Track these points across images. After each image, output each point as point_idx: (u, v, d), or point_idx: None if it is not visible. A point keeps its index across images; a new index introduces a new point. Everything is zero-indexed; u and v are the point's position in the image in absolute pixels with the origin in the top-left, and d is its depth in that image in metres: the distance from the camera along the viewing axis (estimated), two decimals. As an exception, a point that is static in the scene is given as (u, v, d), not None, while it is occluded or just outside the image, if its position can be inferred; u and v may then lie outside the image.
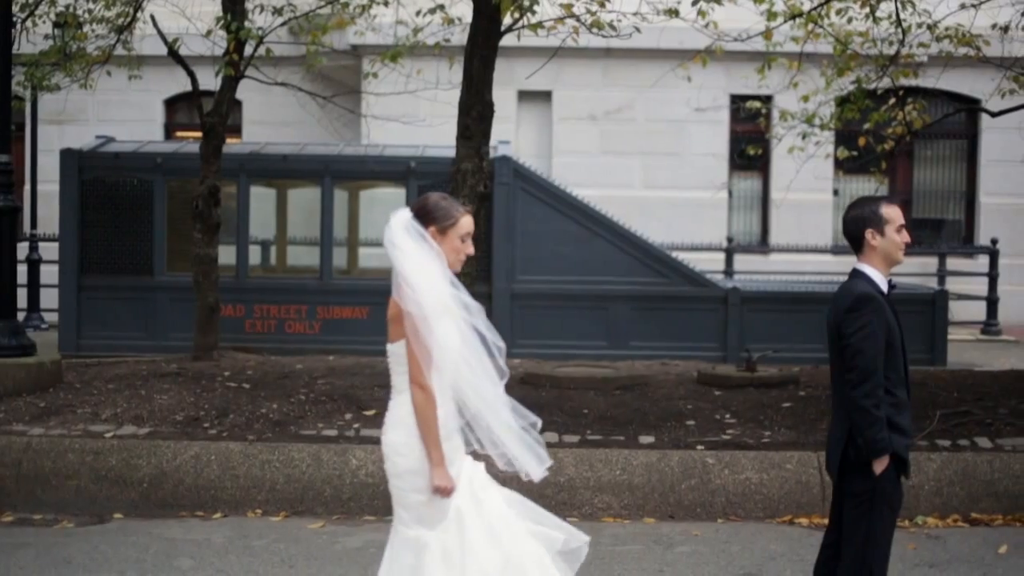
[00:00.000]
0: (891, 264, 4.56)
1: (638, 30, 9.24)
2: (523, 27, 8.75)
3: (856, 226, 4.57)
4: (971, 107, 14.62)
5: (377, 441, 7.74)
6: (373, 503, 7.43)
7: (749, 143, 13.44)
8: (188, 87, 11.10)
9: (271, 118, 18.29)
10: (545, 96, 17.87)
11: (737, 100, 16.71)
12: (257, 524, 7.17)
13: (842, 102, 11.17)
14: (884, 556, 4.48)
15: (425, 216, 4.30)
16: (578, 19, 8.66)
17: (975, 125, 18.14)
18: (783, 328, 12.24)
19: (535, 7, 8.23)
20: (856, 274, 4.55)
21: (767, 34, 9.82)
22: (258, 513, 7.39)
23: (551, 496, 7.23)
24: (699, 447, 7.79)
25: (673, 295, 12.51)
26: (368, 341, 12.12)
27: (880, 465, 4.38)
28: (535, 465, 4.30)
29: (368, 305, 12.38)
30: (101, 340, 12.40)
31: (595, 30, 8.56)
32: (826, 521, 4.94)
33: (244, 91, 15.57)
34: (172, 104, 19.26)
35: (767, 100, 12.99)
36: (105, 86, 13.39)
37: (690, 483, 7.52)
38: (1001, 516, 7.40)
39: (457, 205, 4.37)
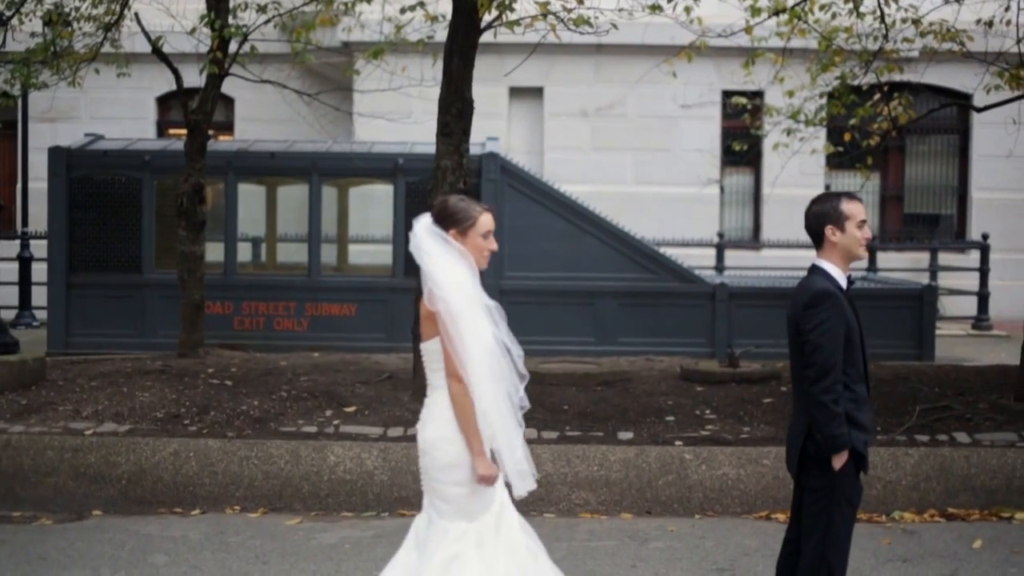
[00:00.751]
0: (851, 260, 4.56)
1: (615, 26, 9.22)
2: (501, 24, 8.75)
3: (817, 222, 4.58)
4: (956, 102, 14.60)
5: (355, 438, 7.80)
6: (351, 499, 7.47)
7: (740, 139, 13.43)
8: (181, 84, 11.14)
9: (263, 115, 18.27)
10: (536, 92, 17.86)
11: (728, 96, 16.71)
12: (235, 520, 7.20)
13: (829, 97, 11.16)
14: (844, 551, 4.48)
15: (445, 220, 4.40)
16: (557, 16, 8.65)
17: (967, 120, 18.11)
18: (771, 324, 12.17)
19: (514, 5, 8.23)
20: (815, 270, 4.55)
21: (748, 29, 9.82)
22: (236, 510, 7.42)
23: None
24: (677, 443, 7.80)
25: (661, 291, 12.50)
26: (356, 338, 12.14)
27: (839, 461, 4.39)
28: (521, 483, 4.43)
29: (356, 302, 12.38)
30: (90, 338, 12.40)
31: (574, 27, 8.54)
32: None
33: (236, 88, 15.59)
34: (164, 101, 19.23)
35: (756, 96, 12.97)
36: (97, 84, 13.37)
37: (667, 479, 7.54)
38: (978, 511, 7.43)
39: (475, 205, 4.45)
